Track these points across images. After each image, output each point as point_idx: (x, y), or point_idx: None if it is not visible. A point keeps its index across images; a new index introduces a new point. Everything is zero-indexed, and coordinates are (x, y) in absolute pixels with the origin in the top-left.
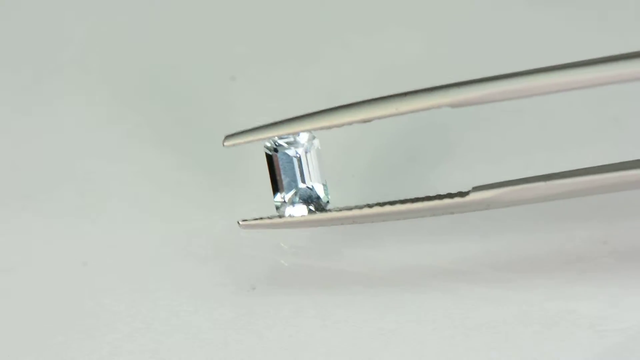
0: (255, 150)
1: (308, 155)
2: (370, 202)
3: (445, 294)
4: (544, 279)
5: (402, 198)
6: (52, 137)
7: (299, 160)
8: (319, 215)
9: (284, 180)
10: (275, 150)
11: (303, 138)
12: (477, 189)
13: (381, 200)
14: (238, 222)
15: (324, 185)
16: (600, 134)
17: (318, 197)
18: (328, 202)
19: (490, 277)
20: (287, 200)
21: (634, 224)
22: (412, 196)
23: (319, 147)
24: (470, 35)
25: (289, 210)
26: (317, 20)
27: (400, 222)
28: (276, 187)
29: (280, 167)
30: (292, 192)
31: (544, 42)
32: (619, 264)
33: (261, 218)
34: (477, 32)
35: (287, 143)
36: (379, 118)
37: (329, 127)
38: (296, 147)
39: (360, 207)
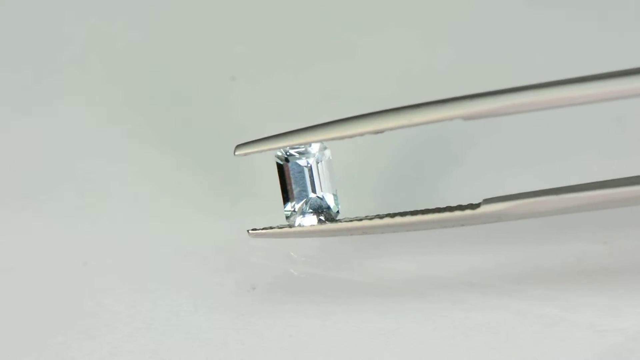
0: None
1: (319, 165)
2: (380, 213)
3: (445, 292)
4: (543, 279)
5: (412, 209)
6: (52, 137)
7: (310, 170)
8: (329, 226)
9: (295, 189)
10: (287, 159)
11: (314, 148)
12: (487, 201)
13: (391, 212)
14: (248, 231)
15: (335, 195)
16: (603, 135)
17: (328, 207)
18: (338, 212)
19: (490, 277)
20: (297, 210)
21: (634, 224)
22: (422, 207)
23: (330, 158)
24: (470, 36)
25: (299, 220)
26: (317, 20)
27: (409, 233)
28: (287, 197)
29: (291, 176)
30: (303, 201)
31: (544, 42)
32: (619, 264)
33: (271, 227)
34: (477, 32)
35: (298, 153)
36: (391, 129)
37: (341, 138)
38: (307, 157)
39: (371, 218)
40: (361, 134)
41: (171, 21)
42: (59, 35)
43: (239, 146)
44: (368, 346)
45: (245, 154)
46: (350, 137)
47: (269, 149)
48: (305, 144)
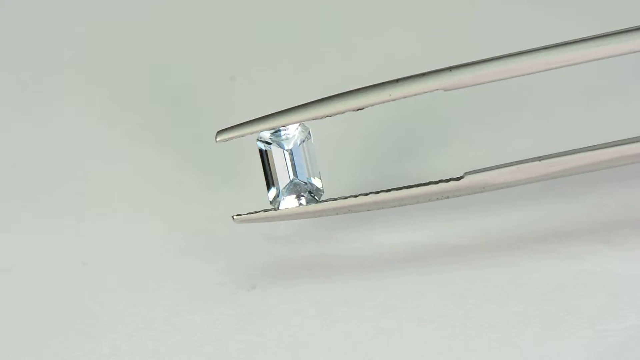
0: (255, 149)
1: (301, 147)
2: (364, 191)
3: (445, 290)
4: (544, 279)
5: (395, 185)
6: (52, 137)
7: (292, 152)
8: (314, 206)
9: (278, 173)
10: (268, 143)
11: (296, 130)
12: (469, 173)
13: (374, 187)
14: (232, 217)
15: (318, 176)
16: (595, 126)
17: (312, 189)
18: (322, 192)
19: (490, 276)
20: (281, 193)
21: (634, 223)
22: (405, 182)
23: (312, 139)
24: (470, 36)
25: (283, 203)
26: (317, 20)
27: (395, 214)
28: (270, 181)
29: (274, 160)
30: (286, 184)
31: (543, 41)
32: (619, 263)
33: (255, 212)
34: (478, 33)
35: (279, 136)
36: (372, 105)
37: (322, 117)
38: (288, 140)
39: (355, 196)
40: (342, 112)
41: (171, 21)
42: (59, 35)
43: (220, 132)
44: (368, 346)
45: (227, 139)
46: (331, 115)
47: (251, 133)
48: (286, 125)
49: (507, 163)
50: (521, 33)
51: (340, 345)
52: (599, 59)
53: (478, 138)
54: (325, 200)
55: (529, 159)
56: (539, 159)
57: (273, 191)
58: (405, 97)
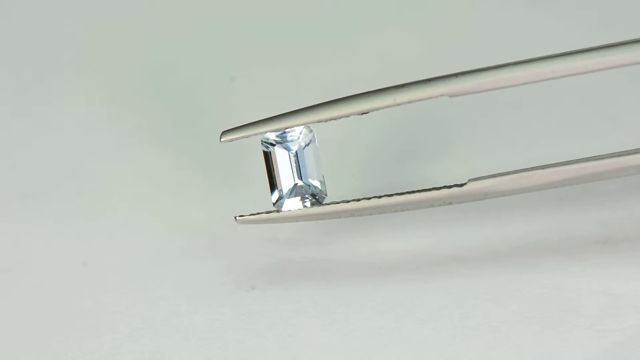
0: (255, 149)
1: (305, 149)
2: (367, 195)
3: (445, 291)
4: (543, 279)
5: (398, 190)
6: (52, 137)
7: (296, 154)
8: (317, 209)
9: (281, 175)
10: (272, 145)
11: (300, 132)
12: (473, 180)
13: (377, 192)
14: (235, 218)
15: (322, 179)
16: (597, 129)
17: (315, 191)
18: (325, 195)
19: (490, 276)
20: (284, 195)
21: (634, 224)
22: (408, 187)
23: (316, 142)
24: (470, 36)
25: (286, 205)
26: (317, 20)
27: (399, 216)
28: (273, 182)
29: (278, 162)
30: (290, 186)
31: (544, 42)
32: (619, 264)
33: (258, 213)
34: (478, 33)
35: (284, 138)
36: (376, 109)
37: (327, 120)
38: (293, 142)
39: (358, 200)
40: (347, 116)
41: (171, 21)
42: (59, 35)
43: (224, 132)
44: (368, 346)
45: (231, 140)
46: (336, 119)
47: (255, 134)
48: (291, 127)
49: (511, 171)
50: (521, 33)
51: (340, 345)
52: (606, 69)
53: (481, 142)
54: (328, 204)
55: (532, 167)
56: (542, 167)
57: (276, 193)
58: (410, 102)
